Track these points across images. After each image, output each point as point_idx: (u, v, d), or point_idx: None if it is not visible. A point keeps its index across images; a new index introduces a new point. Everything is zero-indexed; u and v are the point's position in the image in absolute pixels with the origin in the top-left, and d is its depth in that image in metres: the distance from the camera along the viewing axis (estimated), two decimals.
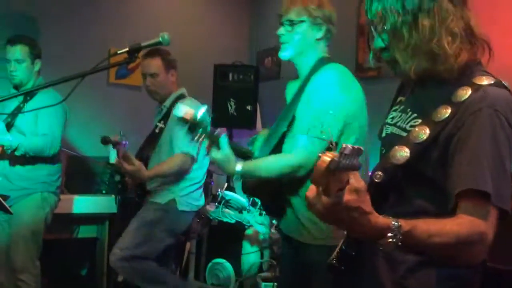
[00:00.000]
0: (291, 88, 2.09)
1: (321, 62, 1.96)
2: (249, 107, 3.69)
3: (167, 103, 2.95)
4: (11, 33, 3.25)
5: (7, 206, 2.57)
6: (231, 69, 3.78)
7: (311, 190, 0.97)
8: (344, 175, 0.92)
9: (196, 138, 1.85)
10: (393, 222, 1.01)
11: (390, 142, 1.24)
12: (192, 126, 1.84)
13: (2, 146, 2.81)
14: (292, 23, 1.93)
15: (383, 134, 1.32)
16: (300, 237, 1.94)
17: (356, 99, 1.90)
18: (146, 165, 2.87)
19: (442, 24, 1.13)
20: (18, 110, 2.92)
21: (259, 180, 1.97)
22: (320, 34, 1.96)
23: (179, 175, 2.85)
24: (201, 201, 3.00)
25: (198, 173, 2.93)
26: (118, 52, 1.76)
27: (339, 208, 0.94)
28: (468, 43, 1.16)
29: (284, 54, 1.98)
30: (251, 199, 3.43)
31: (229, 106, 3.69)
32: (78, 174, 3.89)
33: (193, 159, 2.84)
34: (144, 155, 2.92)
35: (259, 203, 3.28)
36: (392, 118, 1.29)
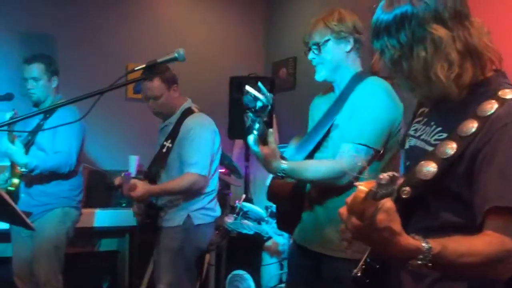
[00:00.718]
0: (320, 103, 2.09)
1: (360, 76, 1.98)
2: (265, 119, 3.69)
3: (173, 119, 2.86)
4: (30, 52, 3.33)
5: (30, 222, 2.60)
6: (247, 81, 3.80)
7: (344, 208, 1.00)
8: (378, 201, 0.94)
9: (253, 125, 1.71)
10: (423, 244, 1.01)
11: (414, 155, 1.23)
12: (261, 109, 1.68)
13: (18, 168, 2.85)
14: (318, 45, 1.95)
15: (406, 146, 1.31)
16: (323, 250, 1.92)
17: (400, 110, 1.91)
18: (154, 183, 2.82)
19: (435, 52, 1.13)
20: (38, 128, 2.95)
21: (289, 186, 1.96)
22: (348, 47, 1.97)
23: (191, 194, 2.77)
24: (217, 212, 2.93)
25: (209, 187, 2.85)
26: (136, 68, 1.77)
27: (369, 229, 0.96)
28: (470, 62, 1.15)
29: (319, 75, 1.99)
30: (269, 210, 3.42)
31: (245, 117, 3.70)
32: (99, 188, 3.93)
33: (206, 179, 2.76)
34: (152, 175, 2.84)
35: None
36: (415, 130, 1.28)
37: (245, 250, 3.66)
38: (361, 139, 1.82)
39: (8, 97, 2.89)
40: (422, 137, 1.24)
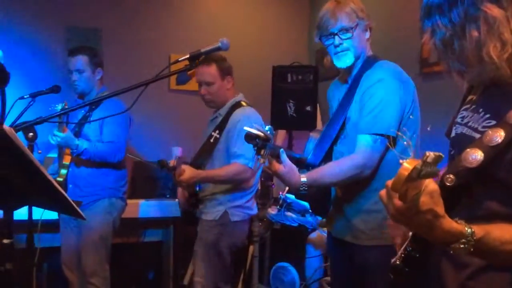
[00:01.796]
0: (335, 91, 2.11)
1: (370, 60, 1.97)
2: (308, 108, 3.65)
3: (223, 111, 2.89)
4: (74, 44, 3.41)
5: (81, 212, 2.66)
6: (290, 70, 3.76)
7: (384, 191, 1.01)
8: (422, 181, 0.94)
9: (263, 155, 1.82)
10: (466, 228, 1.02)
11: (460, 142, 1.22)
12: (262, 144, 1.81)
13: (69, 150, 2.92)
14: (348, 30, 1.92)
15: (452, 134, 1.29)
16: (354, 240, 1.96)
17: (411, 91, 1.90)
18: None
19: (488, 32, 1.11)
20: (84, 119, 3.02)
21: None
22: (368, 34, 1.98)
23: (234, 185, 2.81)
24: (254, 210, 2.94)
25: (249, 184, 2.86)
26: (179, 59, 1.76)
27: (413, 212, 0.97)
28: None
29: (348, 61, 1.96)
30: None
31: (288, 107, 3.67)
32: (143, 179, 3.99)
33: (251, 171, 2.78)
34: (197, 164, 2.87)
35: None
36: (463, 117, 1.26)
37: (289, 242, 3.66)
38: (375, 128, 1.82)
39: (55, 89, 2.95)
40: (469, 124, 1.21)
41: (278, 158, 1.85)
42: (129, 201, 3.28)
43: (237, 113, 2.84)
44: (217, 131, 2.87)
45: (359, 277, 1.95)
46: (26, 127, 2.18)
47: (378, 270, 1.84)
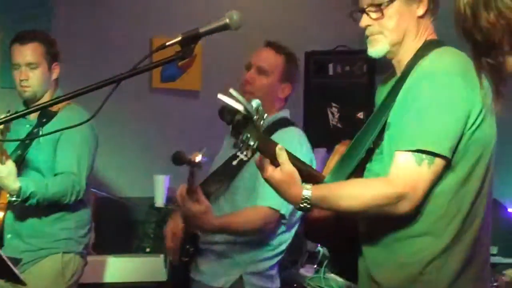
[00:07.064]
0: (383, 89, 2.16)
1: (429, 46, 2.00)
2: (360, 115, 3.64)
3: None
4: (11, 24, 3.41)
5: (18, 273, 2.64)
6: (332, 57, 3.76)
7: None
8: None
9: (243, 146, 1.91)
10: None
11: None
12: (240, 123, 1.87)
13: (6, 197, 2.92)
14: (378, 7, 1.97)
15: None
16: None
17: (480, 94, 1.88)
18: None
19: None
20: (30, 138, 3.05)
21: (332, 219, 2.01)
22: (422, 9, 2.00)
23: (258, 238, 2.82)
24: (277, 283, 2.94)
25: (281, 238, 2.88)
26: (167, 43, 1.76)
27: None
28: None
29: (376, 50, 2.04)
30: None
31: (329, 113, 3.67)
32: (111, 224, 3.99)
33: (283, 220, 2.79)
34: (205, 194, 2.84)
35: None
36: None
37: None
38: (420, 142, 1.84)
39: None
40: None
41: (274, 158, 1.90)
42: (90, 258, 3.28)
43: (285, 133, 2.85)
44: (245, 152, 2.85)
45: None
46: None
47: None
